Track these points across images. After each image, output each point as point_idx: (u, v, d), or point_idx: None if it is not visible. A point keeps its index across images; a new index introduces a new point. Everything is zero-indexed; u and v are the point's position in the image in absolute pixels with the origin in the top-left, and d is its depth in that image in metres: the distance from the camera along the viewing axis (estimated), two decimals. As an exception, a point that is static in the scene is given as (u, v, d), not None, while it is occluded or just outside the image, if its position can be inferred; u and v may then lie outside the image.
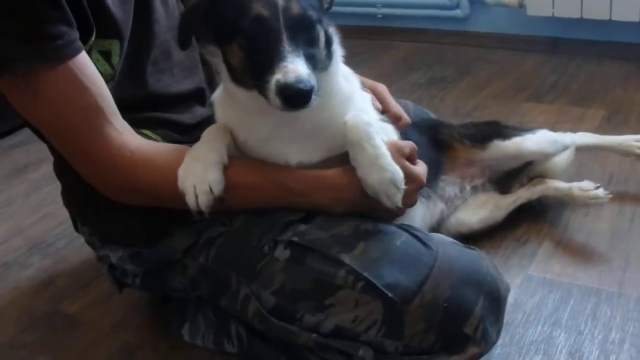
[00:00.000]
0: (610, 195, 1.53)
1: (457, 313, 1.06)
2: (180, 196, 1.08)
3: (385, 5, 3.23)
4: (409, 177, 1.14)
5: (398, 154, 1.14)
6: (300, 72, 0.96)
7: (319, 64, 1.05)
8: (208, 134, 1.15)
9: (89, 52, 1.11)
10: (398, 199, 1.08)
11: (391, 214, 1.18)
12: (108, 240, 1.33)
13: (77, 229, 1.48)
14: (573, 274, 1.45)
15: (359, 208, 1.15)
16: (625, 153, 1.74)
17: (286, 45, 0.99)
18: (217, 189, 1.09)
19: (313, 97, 0.98)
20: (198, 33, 1.11)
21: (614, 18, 2.54)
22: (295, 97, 0.97)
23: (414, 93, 2.57)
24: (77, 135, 1.11)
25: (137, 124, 1.19)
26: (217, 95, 1.21)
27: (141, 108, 1.23)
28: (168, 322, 1.41)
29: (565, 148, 1.67)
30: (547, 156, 1.64)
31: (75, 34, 1.07)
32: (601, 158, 1.81)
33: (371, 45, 3.09)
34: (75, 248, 1.83)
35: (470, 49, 2.98)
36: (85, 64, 1.08)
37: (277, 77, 0.96)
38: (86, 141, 1.11)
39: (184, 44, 1.11)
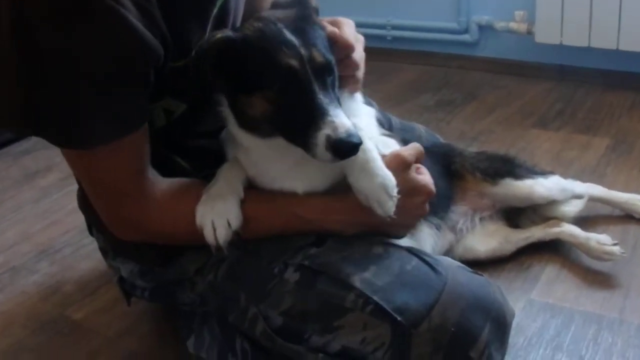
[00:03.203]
0: (625, 255, 1.53)
1: (465, 337, 1.07)
2: (198, 234, 1.10)
3: (395, 28, 3.28)
4: (416, 189, 1.16)
5: (402, 167, 1.14)
6: (348, 126, 0.97)
7: None
8: (224, 170, 1.18)
9: (153, 108, 1.14)
10: (390, 207, 1.07)
11: (395, 229, 1.19)
12: (120, 252, 1.35)
13: (91, 233, 1.50)
14: (575, 299, 1.47)
15: (369, 229, 1.17)
16: (630, 211, 1.75)
17: (322, 97, 1.00)
18: (235, 223, 1.11)
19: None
20: (208, 80, 1.08)
21: (621, 48, 2.58)
22: (349, 151, 0.99)
23: (421, 116, 2.60)
24: (114, 193, 1.13)
25: (168, 148, 1.22)
26: (224, 135, 1.22)
27: (172, 138, 1.24)
28: (177, 331, 1.42)
29: (574, 196, 1.68)
30: (555, 202, 1.65)
31: (148, 105, 1.10)
32: (606, 184, 1.83)
33: (380, 67, 3.13)
34: (82, 256, 1.85)
35: (477, 73, 3.01)
36: (145, 130, 1.11)
37: (326, 132, 0.97)
38: (121, 197, 1.13)
39: (196, 93, 1.12)
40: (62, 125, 1.04)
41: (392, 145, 1.23)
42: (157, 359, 1.44)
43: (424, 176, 1.19)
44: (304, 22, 1.08)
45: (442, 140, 1.87)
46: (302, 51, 1.02)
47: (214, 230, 1.10)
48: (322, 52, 1.04)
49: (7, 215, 2.15)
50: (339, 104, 1.04)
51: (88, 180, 1.17)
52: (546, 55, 2.88)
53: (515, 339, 1.35)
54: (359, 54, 1.15)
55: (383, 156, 1.13)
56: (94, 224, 1.41)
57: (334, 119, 0.98)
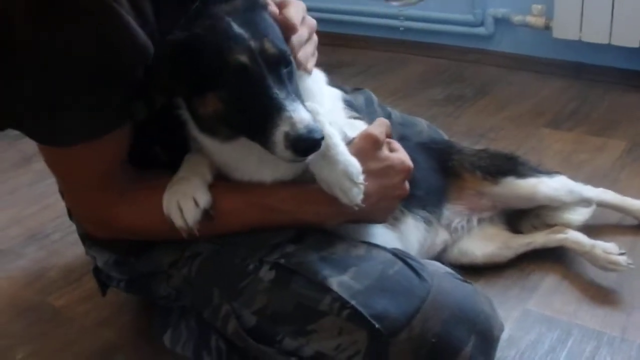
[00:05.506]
0: (633, 266, 1.42)
1: (446, 350, 1.01)
2: (169, 226, 1.05)
3: (408, 19, 3.18)
4: (393, 167, 1.12)
5: (374, 146, 1.10)
6: (308, 121, 0.92)
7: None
8: (190, 157, 1.13)
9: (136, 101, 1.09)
10: (355, 194, 1.02)
11: (376, 215, 1.16)
12: (95, 241, 1.30)
13: (71, 218, 1.47)
14: (574, 313, 1.38)
15: (350, 218, 1.11)
16: None
17: (277, 91, 0.95)
18: (203, 200, 1.05)
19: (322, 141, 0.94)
20: (164, 86, 1.04)
21: (643, 46, 2.47)
22: (310, 148, 0.93)
23: (429, 109, 2.52)
24: (86, 189, 1.10)
25: (148, 138, 1.16)
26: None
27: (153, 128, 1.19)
28: (152, 326, 1.38)
29: (582, 200, 1.58)
30: (561, 204, 1.56)
31: (132, 102, 1.05)
32: (619, 190, 1.72)
33: (390, 57, 3.05)
34: (70, 242, 1.81)
35: (491, 68, 2.92)
36: (125, 127, 1.06)
37: (284, 129, 0.92)
38: (92, 193, 1.10)
39: (154, 102, 1.08)
40: (43, 120, 1.00)
41: (360, 128, 1.18)
42: (134, 351, 1.40)
43: (399, 153, 1.15)
44: (252, 12, 1.03)
45: (445, 137, 1.81)
46: (252, 44, 0.97)
47: (181, 212, 1.04)
48: (274, 43, 0.99)
49: (1, 198, 2.12)
50: (299, 96, 0.99)
51: (60, 175, 1.14)
52: (563, 52, 2.78)
53: (507, 351, 1.28)
54: (298, 38, 1.08)
55: (352, 139, 1.10)
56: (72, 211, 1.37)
57: (292, 114, 0.92)
